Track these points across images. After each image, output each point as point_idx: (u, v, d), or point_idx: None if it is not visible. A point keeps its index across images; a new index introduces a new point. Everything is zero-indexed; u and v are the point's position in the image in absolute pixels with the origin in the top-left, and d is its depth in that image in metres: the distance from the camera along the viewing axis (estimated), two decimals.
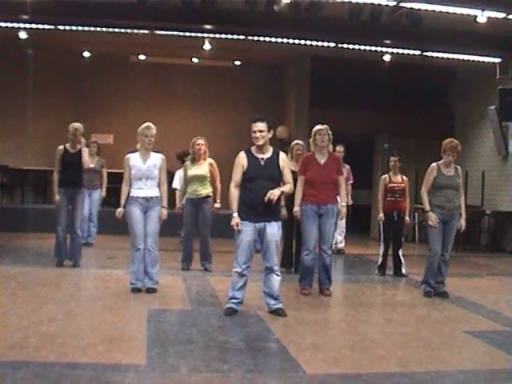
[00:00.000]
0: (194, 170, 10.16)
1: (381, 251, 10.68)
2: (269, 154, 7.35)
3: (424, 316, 7.92)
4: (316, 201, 8.56)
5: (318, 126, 8.81)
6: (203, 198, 10.15)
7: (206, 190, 10.19)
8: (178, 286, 9.04)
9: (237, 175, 7.31)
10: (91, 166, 10.99)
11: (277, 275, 7.40)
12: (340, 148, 12.72)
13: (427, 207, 8.85)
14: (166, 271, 8.95)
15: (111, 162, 13.69)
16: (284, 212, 9.82)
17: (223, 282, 8.64)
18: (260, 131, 7.24)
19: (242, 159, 7.31)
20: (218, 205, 10.31)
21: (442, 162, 8.89)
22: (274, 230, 7.28)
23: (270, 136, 7.35)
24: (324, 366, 5.56)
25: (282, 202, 9.69)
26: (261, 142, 7.26)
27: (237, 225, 7.17)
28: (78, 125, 10.14)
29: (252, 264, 7.39)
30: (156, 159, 8.48)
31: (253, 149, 7.38)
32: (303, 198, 8.65)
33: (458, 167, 9.02)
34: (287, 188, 7.39)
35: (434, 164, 8.94)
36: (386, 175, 10.79)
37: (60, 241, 10.05)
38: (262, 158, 7.31)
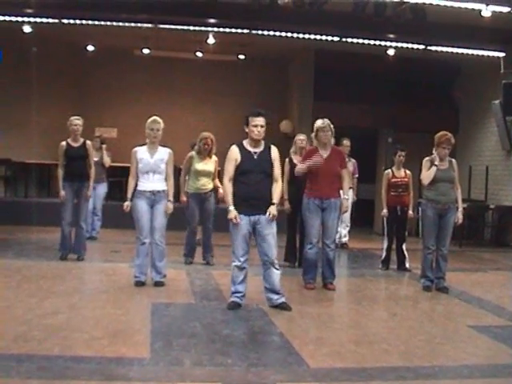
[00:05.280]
0: (202, 165, 10.05)
1: (384, 245, 10.66)
2: (261, 147, 7.35)
3: (427, 310, 7.94)
4: (319, 195, 8.55)
5: (320, 123, 8.71)
6: (208, 192, 10.14)
7: (211, 185, 10.17)
8: (181, 279, 9.05)
9: (230, 169, 7.29)
10: (95, 159, 10.97)
11: (276, 269, 7.36)
12: (346, 142, 12.72)
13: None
14: (169, 265, 8.94)
15: (115, 155, 13.70)
16: (287, 206, 9.83)
17: (226, 275, 8.61)
18: (262, 126, 7.24)
19: (235, 153, 7.30)
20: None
21: (435, 155, 8.82)
22: (268, 222, 7.25)
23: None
24: (328, 359, 5.57)
25: (286, 196, 9.70)
26: (260, 137, 7.27)
27: (235, 217, 7.18)
28: (77, 117, 10.15)
29: (253, 257, 7.39)
30: (163, 153, 8.47)
31: (245, 142, 7.37)
32: (306, 192, 8.64)
33: (453, 160, 8.96)
34: (278, 192, 7.39)
35: (427, 158, 8.90)
36: (390, 170, 10.77)
37: (65, 235, 10.07)
38: (255, 152, 7.30)
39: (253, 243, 7.42)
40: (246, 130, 7.32)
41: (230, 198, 7.25)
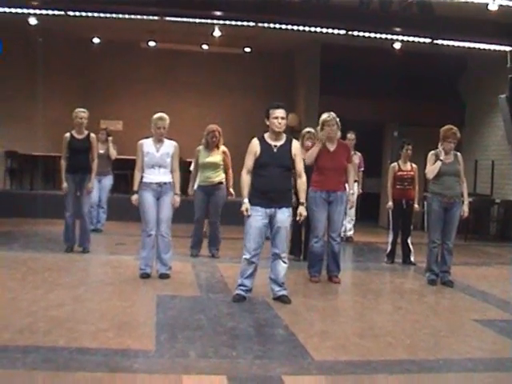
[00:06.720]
0: (207, 158, 10.09)
1: (390, 239, 10.66)
2: (282, 141, 7.35)
3: (432, 304, 7.94)
4: (326, 188, 8.55)
5: (325, 116, 8.69)
6: (216, 185, 10.14)
7: (219, 178, 10.16)
8: (187, 272, 9.06)
9: (249, 162, 7.32)
10: (101, 151, 10.94)
11: (284, 262, 7.39)
12: (351, 135, 12.70)
13: None
14: (175, 257, 8.94)
15: (120, 148, 13.69)
16: (294, 199, 9.82)
17: (232, 268, 8.65)
18: (282, 118, 7.26)
19: (255, 146, 7.32)
20: (231, 190, 10.29)
21: (440, 149, 8.80)
22: (284, 216, 7.28)
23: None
24: (332, 352, 5.57)
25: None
26: (281, 129, 7.28)
27: (246, 210, 7.19)
28: (82, 110, 10.14)
29: (263, 250, 7.39)
30: (169, 147, 8.45)
31: (266, 135, 7.39)
32: (313, 185, 8.63)
33: (458, 154, 8.95)
34: (304, 190, 7.46)
35: (432, 151, 8.88)
36: (396, 163, 10.75)
37: (68, 227, 10.08)
38: (275, 146, 7.31)
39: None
40: (267, 123, 7.35)
41: (245, 191, 7.26)
